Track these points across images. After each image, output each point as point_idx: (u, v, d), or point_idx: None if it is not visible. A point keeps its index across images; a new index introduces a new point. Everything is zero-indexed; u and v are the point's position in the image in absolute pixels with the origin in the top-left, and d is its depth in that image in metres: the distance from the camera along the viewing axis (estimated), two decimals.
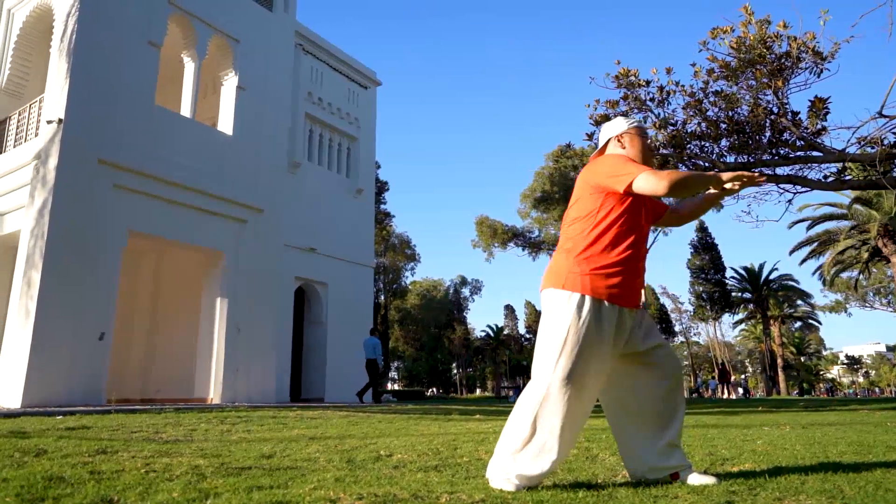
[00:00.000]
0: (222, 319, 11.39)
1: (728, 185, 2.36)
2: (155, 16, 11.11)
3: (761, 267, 45.13)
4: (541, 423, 2.25)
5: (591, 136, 11.26)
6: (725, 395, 31.37)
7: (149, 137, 10.66)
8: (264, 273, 12.30)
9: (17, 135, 11.23)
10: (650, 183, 2.28)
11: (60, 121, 9.56)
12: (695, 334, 59.03)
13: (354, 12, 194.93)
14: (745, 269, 45.64)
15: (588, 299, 2.32)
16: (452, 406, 12.48)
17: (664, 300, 56.60)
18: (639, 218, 2.49)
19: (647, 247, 2.72)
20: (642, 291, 2.57)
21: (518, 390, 27.69)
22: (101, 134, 9.98)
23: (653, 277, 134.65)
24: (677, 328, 56.47)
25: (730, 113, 11.27)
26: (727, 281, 45.85)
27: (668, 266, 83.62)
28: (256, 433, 5.03)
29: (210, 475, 2.36)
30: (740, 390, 36.57)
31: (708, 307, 44.97)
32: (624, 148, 2.60)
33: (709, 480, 2.36)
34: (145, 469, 2.45)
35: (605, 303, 2.34)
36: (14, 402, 8.57)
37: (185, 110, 11.72)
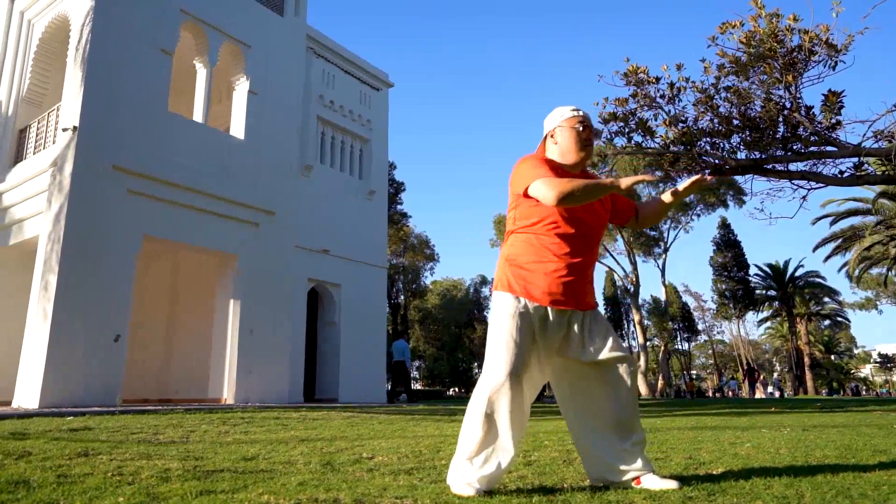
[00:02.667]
0: (235, 321, 11.57)
1: (624, 187, 2.31)
2: (167, 24, 11.33)
3: (786, 264, 44.26)
4: (488, 423, 2.26)
5: (599, 135, 11.18)
6: (757, 395, 30.81)
7: (162, 143, 10.87)
8: (277, 275, 12.45)
9: (36, 142, 11.55)
10: (541, 192, 2.30)
11: (75, 128, 9.81)
12: (718, 333, 58.15)
13: (366, 15, 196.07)
14: (770, 266, 44.79)
15: (512, 298, 2.37)
16: (463, 406, 12.49)
17: (686, 298, 55.83)
18: (572, 221, 2.43)
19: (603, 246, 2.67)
20: (582, 294, 2.46)
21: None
22: (114, 140, 10.21)
23: (674, 275, 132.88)
24: (700, 326, 55.64)
25: (742, 108, 11.10)
26: (751, 278, 45.05)
27: (689, 264, 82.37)
28: (253, 434, 5.11)
29: (174, 478, 2.42)
30: (769, 388, 35.78)
31: (731, 305, 44.23)
32: (556, 144, 2.56)
33: (669, 485, 2.34)
34: (113, 472, 2.52)
35: (529, 302, 2.36)
36: (32, 402, 8.82)
37: (198, 116, 11.92)
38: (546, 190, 2.27)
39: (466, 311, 57.36)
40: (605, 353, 2.41)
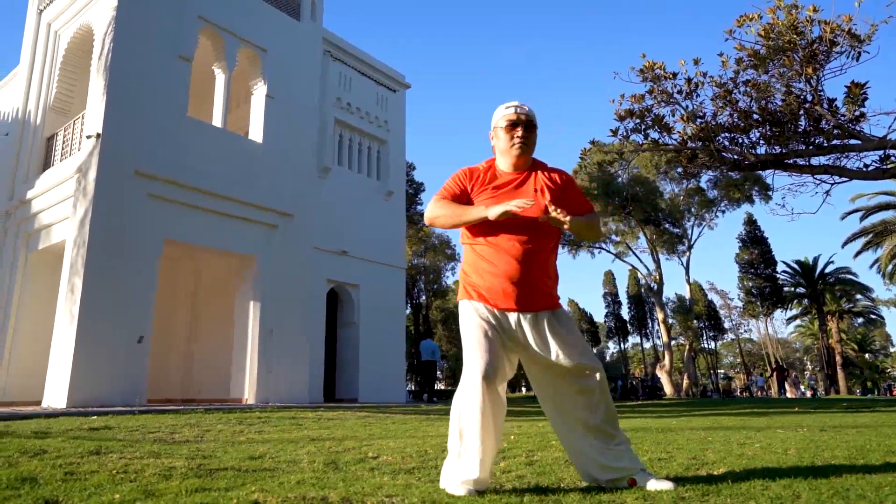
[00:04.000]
0: (255, 322, 11.74)
1: (493, 217, 2.30)
2: (186, 31, 11.54)
3: (815, 260, 43.26)
4: (468, 424, 2.27)
5: (615, 132, 11.08)
6: (788, 395, 30.18)
7: (182, 148, 11.08)
8: (296, 276, 12.60)
9: (62, 150, 11.88)
10: (432, 209, 2.47)
11: (98, 135, 10.06)
12: (745, 331, 57.08)
13: (383, 17, 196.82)
14: (798, 262, 43.83)
15: (470, 304, 2.42)
16: None
17: (712, 296, 54.94)
18: (500, 228, 2.40)
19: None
20: (532, 296, 2.40)
21: None
22: (136, 146, 10.44)
23: (699, 273, 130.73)
24: (727, 325, 54.71)
25: (762, 102, 10.90)
26: (778, 276, 44.12)
27: (715, 261, 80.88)
28: (266, 434, 5.19)
29: (176, 477, 2.48)
30: (801, 388, 34.92)
31: (758, 303, 43.37)
32: (494, 146, 2.57)
33: (664, 485, 2.33)
34: (119, 471, 2.60)
35: (482, 305, 2.40)
36: (60, 402, 9.07)
37: (217, 120, 12.12)
38: (426, 210, 2.46)
39: None
40: (571, 360, 2.38)
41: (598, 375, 2.40)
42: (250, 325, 11.72)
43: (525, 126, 2.47)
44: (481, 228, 2.43)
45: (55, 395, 9.26)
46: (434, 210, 2.43)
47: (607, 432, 2.39)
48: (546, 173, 2.54)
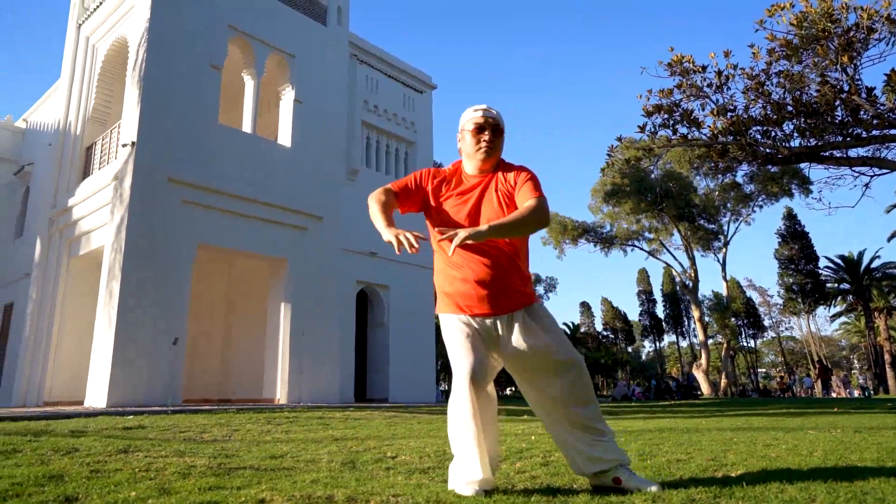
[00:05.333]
0: (287, 323, 11.95)
1: (385, 239, 2.28)
2: (216, 40, 11.83)
3: (860, 255, 41.71)
4: (465, 426, 2.28)
5: (643, 128, 10.91)
6: (836, 395, 29.19)
7: (213, 154, 11.36)
8: (326, 278, 12.78)
9: (100, 158, 12.30)
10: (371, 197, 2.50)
11: (133, 144, 10.39)
12: (786, 329, 55.43)
13: (409, 21, 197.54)
14: (842, 257, 42.33)
15: (447, 315, 2.42)
16: (512, 406, 12.45)
17: (750, 293, 53.53)
18: (455, 225, 2.39)
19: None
20: (502, 298, 2.38)
21: None
22: (169, 154, 10.75)
23: (736, 270, 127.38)
24: (767, 323, 53.22)
25: (796, 93, 10.60)
26: (820, 271, 42.71)
27: (753, 257, 78.64)
28: (292, 434, 5.29)
29: (194, 475, 2.56)
30: (851, 387, 33.60)
31: (799, 300, 42.08)
32: (461, 148, 2.55)
33: (647, 486, 2.30)
34: (142, 469, 2.69)
35: (458, 314, 2.39)
36: (100, 402, 9.40)
37: (247, 126, 12.38)
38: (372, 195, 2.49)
39: None
40: (549, 353, 2.36)
41: (576, 369, 2.38)
42: (282, 327, 11.94)
43: (492, 130, 2.45)
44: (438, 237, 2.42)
45: (96, 395, 9.60)
46: (372, 197, 2.46)
47: (591, 427, 2.38)
48: (505, 174, 2.48)
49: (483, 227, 2.17)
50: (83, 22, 13.93)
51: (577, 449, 2.39)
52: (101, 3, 13.25)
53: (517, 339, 2.37)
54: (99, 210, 11.36)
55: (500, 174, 2.49)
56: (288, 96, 13.12)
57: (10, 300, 15.02)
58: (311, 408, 9.05)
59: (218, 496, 2.05)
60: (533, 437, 4.50)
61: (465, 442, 2.27)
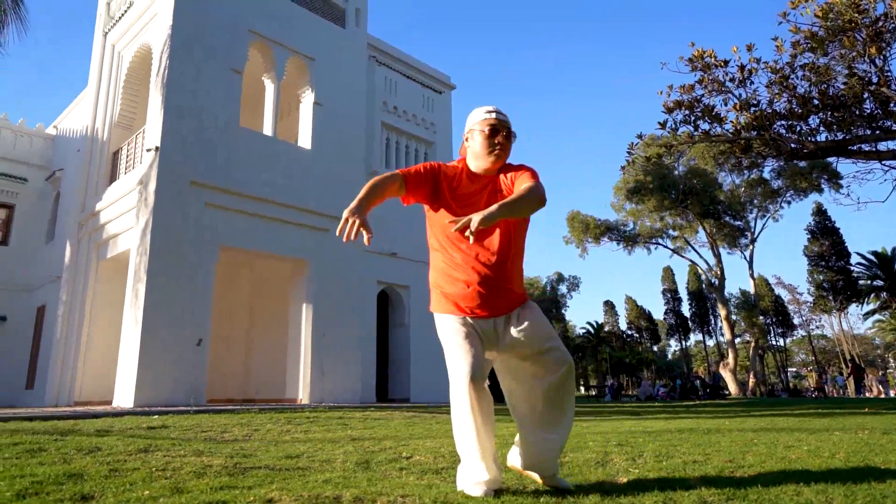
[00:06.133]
0: (308, 324, 12.06)
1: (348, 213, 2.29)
2: (237, 45, 11.99)
3: (894, 251, 40.57)
4: (469, 426, 2.28)
5: (664, 125, 10.77)
6: (872, 395, 28.41)
7: (235, 157, 11.52)
8: (347, 278, 12.87)
9: (126, 163, 12.57)
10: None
11: (157, 148, 10.59)
12: (817, 327, 54.16)
13: (427, 21, 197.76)
14: (875, 253, 41.19)
15: (445, 316, 2.43)
16: None
17: (779, 291, 52.42)
18: (477, 234, 2.35)
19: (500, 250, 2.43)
20: (501, 300, 2.42)
21: (612, 388, 26.76)
22: (192, 157, 10.93)
23: (764, 267, 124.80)
24: (796, 321, 52.05)
25: (822, 86, 10.36)
26: (852, 268, 41.64)
27: (781, 254, 76.92)
28: (311, 434, 5.34)
29: (209, 474, 2.60)
30: (881, 387, 32.58)
31: (830, 297, 41.09)
32: (469, 147, 2.54)
33: (563, 484, 2.43)
34: (159, 468, 2.74)
35: (456, 315, 2.40)
36: (128, 402, 9.60)
37: (267, 129, 12.53)
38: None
39: (544, 308, 56.69)
40: (543, 349, 2.38)
41: (567, 368, 2.39)
42: (303, 327, 12.05)
43: (505, 134, 2.47)
44: (448, 235, 2.43)
45: (123, 395, 9.80)
46: (376, 178, 2.45)
47: (564, 431, 2.44)
48: (506, 175, 2.50)
49: (493, 208, 2.17)
50: (109, 30, 14.25)
51: (543, 448, 2.42)
52: (126, 11, 13.54)
53: (515, 332, 2.39)
54: (125, 214, 11.60)
55: (502, 175, 2.51)
56: (308, 99, 13.24)
57: (43, 302, 15.43)
58: (332, 408, 9.12)
59: (228, 495, 2.08)
60: None
61: (470, 442, 2.28)
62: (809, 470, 2.80)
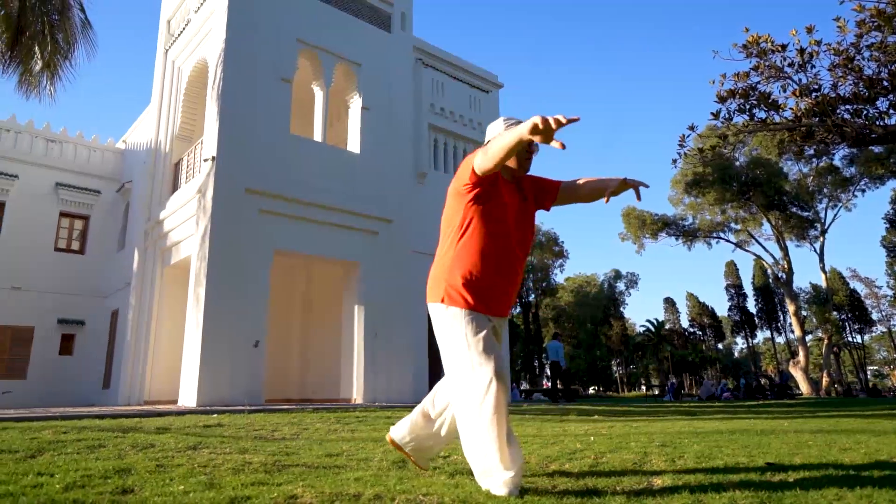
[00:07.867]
0: (360, 325, 12.30)
1: (536, 138, 2.05)
2: (286, 54, 12.37)
3: None
4: (492, 427, 2.28)
5: (717, 115, 10.38)
6: None
7: (287, 164, 11.88)
8: (397, 280, 13.05)
9: (186, 173, 13.17)
10: (479, 159, 2.36)
11: (213, 158, 11.05)
12: None
13: (473, 21, 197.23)
14: None
15: (463, 311, 2.43)
16: (586, 406, 12.20)
17: (854, 284, 49.48)
18: (504, 224, 2.49)
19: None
20: (513, 301, 2.61)
21: (672, 387, 25.93)
22: (246, 166, 11.35)
23: (837, 260, 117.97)
24: (875, 316, 49.03)
25: (891, 67, 9.74)
26: None
27: (856, 246, 72.47)
28: (358, 433, 5.45)
29: (247, 471, 2.71)
30: None
31: None
32: None
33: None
34: (201, 464, 2.88)
35: (477, 312, 2.44)
36: (191, 401, 10.07)
37: (317, 135, 12.86)
38: (481, 154, 2.36)
39: (601, 306, 55.66)
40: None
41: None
42: (356, 329, 12.30)
43: (535, 145, 2.60)
44: (488, 228, 2.49)
45: (187, 395, 10.28)
46: (487, 148, 2.34)
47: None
48: (525, 181, 2.71)
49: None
50: (170, 47, 14.97)
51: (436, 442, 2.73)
52: (184, 28, 14.20)
53: (501, 336, 2.60)
54: (186, 222, 12.17)
55: (523, 179, 2.72)
56: (356, 104, 13.50)
57: (116, 307, 16.37)
58: (383, 407, 9.27)
59: (255, 491, 2.17)
60: (592, 438, 4.40)
61: (494, 441, 2.28)
62: (860, 475, 2.65)
